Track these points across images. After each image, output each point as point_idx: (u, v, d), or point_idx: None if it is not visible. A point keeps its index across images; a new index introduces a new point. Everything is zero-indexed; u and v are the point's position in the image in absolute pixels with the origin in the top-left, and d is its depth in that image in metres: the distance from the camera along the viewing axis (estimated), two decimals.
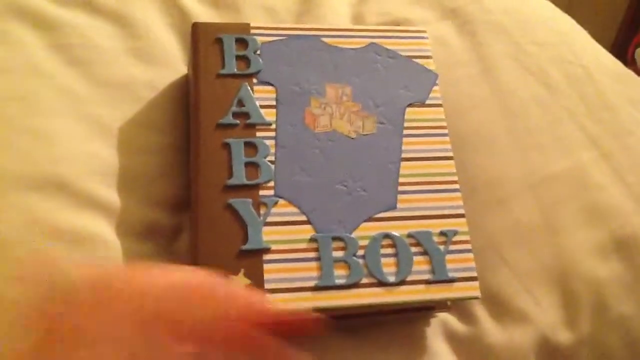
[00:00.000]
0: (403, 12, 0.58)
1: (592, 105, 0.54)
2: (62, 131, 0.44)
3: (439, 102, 0.47)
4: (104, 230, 0.42)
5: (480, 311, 0.45)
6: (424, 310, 0.44)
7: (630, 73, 0.58)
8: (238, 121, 0.43)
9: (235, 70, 0.45)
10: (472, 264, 0.42)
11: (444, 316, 0.45)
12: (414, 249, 0.41)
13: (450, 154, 0.45)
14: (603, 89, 0.55)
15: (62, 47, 0.48)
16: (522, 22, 0.59)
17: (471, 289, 0.41)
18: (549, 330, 0.45)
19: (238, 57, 0.46)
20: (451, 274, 0.41)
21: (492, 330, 0.45)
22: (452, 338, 0.44)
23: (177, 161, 0.47)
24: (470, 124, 0.52)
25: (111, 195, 0.43)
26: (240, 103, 0.44)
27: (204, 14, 0.54)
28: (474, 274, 0.42)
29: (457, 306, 0.45)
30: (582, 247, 0.47)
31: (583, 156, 0.51)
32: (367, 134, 0.45)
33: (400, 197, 0.43)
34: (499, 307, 0.45)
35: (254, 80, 0.45)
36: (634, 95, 0.55)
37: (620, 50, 1.32)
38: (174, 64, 0.50)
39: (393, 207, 0.43)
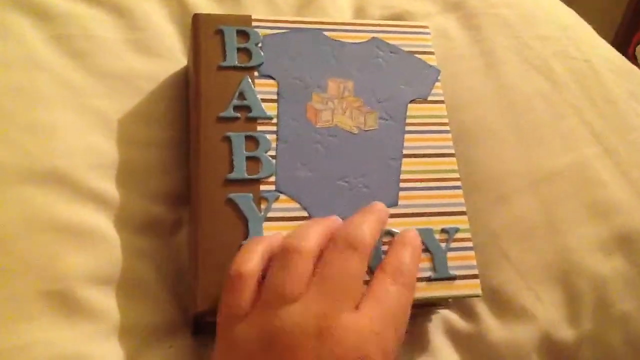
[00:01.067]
0: (405, 5, 0.58)
1: (596, 100, 0.54)
2: (61, 123, 0.44)
3: (441, 98, 0.47)
4: (103, 223, 0.42)
5: (481, 308, 0.45)
6: (425, 307, 0.44)
7: (634, 68, 0.58)
8: (239, 114, 0.43)
9: (237, 62, 0.44)
10: (474, 262, 0.42)
11: (445, 313, 0.45)
12: None
13: (452, 150, 0.45)
14: (607, 84, 0.55)
15: (61, 38, 0.47)
16: (525, 16, 0.58)
17: (472, 287, 0.41)
18: (551, 327, 0.44)
19: (239, 50, 0.45)
20: (452, 272, 0.41)
21: (493, 327, 0.44)
22: (454, 335, 0.44)
23: (177, 154, 0.46)
24: (472, 119, 0.52)
25: (111, 188, 0.43)
26: (242, 96, 0.43)
27: (204, 5, 0.53)
28: (476, 272, 0.41)
29: (459, 303, 0.45)
30: (585, 244, 0.47)
31: (586, 152, 0.51)
32: (369, 130, 0.44)
33: (401, 193, 0.43)
34: (501, 304, 0.45)
35: (255, 74, 0.45)
36: (638, 91, 0.55)
37: (621, 47, 1.32)
38: (174, 56, 0.50)
39: (395, 204, 0.42)
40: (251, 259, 0.35)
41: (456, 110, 0.50)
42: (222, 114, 0.43)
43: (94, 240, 0.41)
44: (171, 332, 0.41)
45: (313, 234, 0.36)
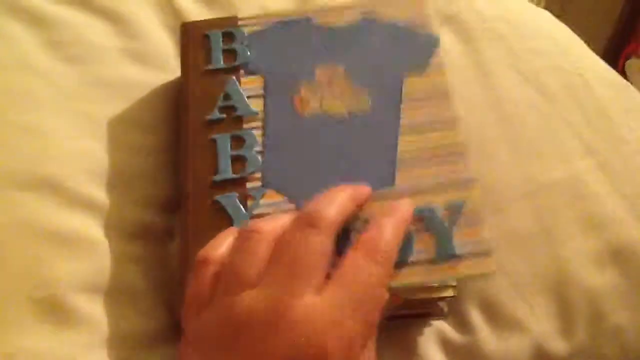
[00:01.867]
0: None
1: (589, 114, 0.54)
2: (53, 128, 0.43)
3: (441, 65, 0.44)
4: (94, 230, 0.41)
5: (475, 318, 0.45)
6: (419, 317, 0.44)
7: (626, 83, 0.58)
8: (224, 115, 0.42)
9: (222, 64, 0.44)
10: (484, 236, 0.37)
11: (438, 324, 0.44)
12: (415, 227, 0.38)
13: (455, 116, 0.42)
14: (600, 98, 0.55)
15: (56, 44, 0.47)
16: (519, 30, 0.58)
17: (482, 265, 0.36)
18: (544, 339, 0.44)
19: (225, 51, 0.45)
20: (458, 250, 0.37)
21: (487, 338, 0.44)
22: (447, 346, 0.44)
23: (170, 161, 0.46)
24: (466, 130, 0.52)
25: (102, 195, 0.43)
26: (227, 97, 0.43)
27: (200, 14, 0.53)
28: (486, 247, 0.37)
29: (453, 314, 0.45)
30: (578, 256, 0.47)
31: (579, 165, 0.51)
32: (360, 112, 0.42)
33: (400, 173, 0.40)
34: (495, 315, 0.45)
35: (242, 72, 0.44)
36: (630, 105, 0.55)
37: (610, 62, 1.33)
38: (169, 65, 0.50)
39: (390, 184, 0.40)
40: (219, 246, 0.34)
41: None
42: (208, 117, 0.42)
43: (84, 247, 0.40)
44: (161, 340, 0.40)
45: (279, 218, 0.34)
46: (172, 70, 0.50)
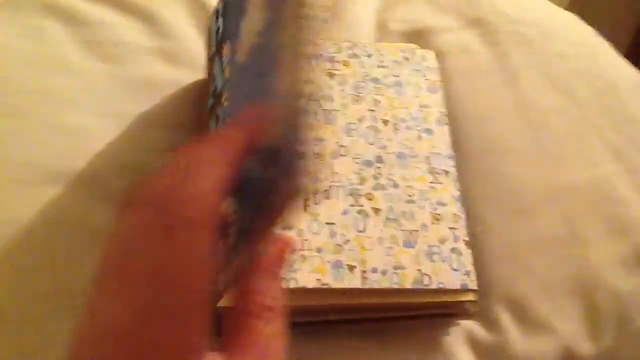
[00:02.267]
0: (427, 20, 0.59)
1: (616, 118, 0.54)
2: (87, 126, 0.45)
3: None
4: None
5: (504, 319, 0.45)
6: (444, 317, 0.44)
7: None
8: (214, 99, 0.41)
9: (214, 48, 0.43)
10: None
11: (467, 323, 0.45)
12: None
13: None
14: (627, 103, 0.55)
15: (92, 43, 0.48)
16: (546, 34, 0.59)
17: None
18: (572, 341, 0.44)
19: (216, 32, 0.43)
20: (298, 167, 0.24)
21: (516, 338, 0.44)
22: (476, 345, 0.44)
23: None
24: (494, 133, 0.52)
25: None
26: (214, 78, 0.42)
27: None
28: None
29: (481, 314, 0.45)
30: (606, 260, 0.47)
31: (607, 169, 0.51)
32: (268, 22, 0.30)
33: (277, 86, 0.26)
34: (523, 315, 0.45)
35: (223, 45, 0.40)
36: None
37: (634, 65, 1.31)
38: (200, 64, 0.51)
39: (273, 93, 0.26)
40: None
41: (478, 125, 0.51)
42: (207, 108, 0.42)
43: None
44: None
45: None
46: (202, 69, 0.50)
